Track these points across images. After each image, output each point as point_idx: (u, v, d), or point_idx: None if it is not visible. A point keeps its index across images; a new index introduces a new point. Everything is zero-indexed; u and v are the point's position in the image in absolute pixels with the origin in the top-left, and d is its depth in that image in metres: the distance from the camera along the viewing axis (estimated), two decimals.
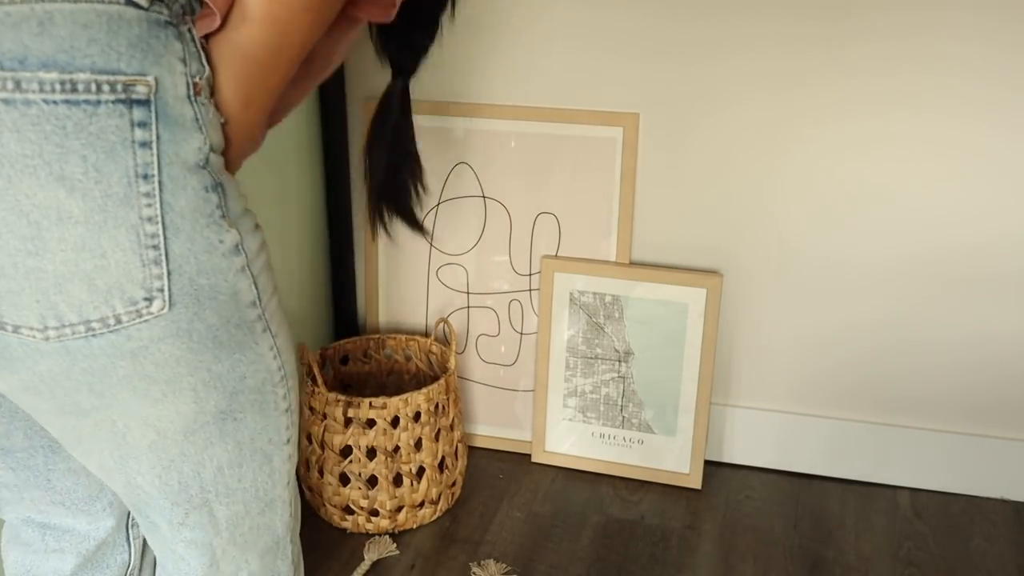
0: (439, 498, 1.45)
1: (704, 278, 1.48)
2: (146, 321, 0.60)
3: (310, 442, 1.41)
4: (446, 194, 1.58)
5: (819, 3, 1.34)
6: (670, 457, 1.56)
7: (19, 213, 0.55)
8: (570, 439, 1.60)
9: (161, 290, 0.60)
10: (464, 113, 1.53)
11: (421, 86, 1.55)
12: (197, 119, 0.60)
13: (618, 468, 1.58)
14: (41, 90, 0.54)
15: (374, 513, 1.41)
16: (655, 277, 1.50)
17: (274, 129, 1.54)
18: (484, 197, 1.57)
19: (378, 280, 1.66)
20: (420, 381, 1.59)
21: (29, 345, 0.59)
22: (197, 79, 0.60)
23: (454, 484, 1.48)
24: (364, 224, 1.63)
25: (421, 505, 1.43)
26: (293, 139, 1.50)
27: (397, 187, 1.17)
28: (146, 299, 0.59)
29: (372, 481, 1.40)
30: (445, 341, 1.61)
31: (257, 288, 0.66)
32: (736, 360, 1.56)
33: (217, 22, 0.62)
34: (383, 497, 1.40)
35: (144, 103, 0.57)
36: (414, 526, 1.44)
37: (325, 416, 1.37)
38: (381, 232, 1.20)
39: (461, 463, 1.50)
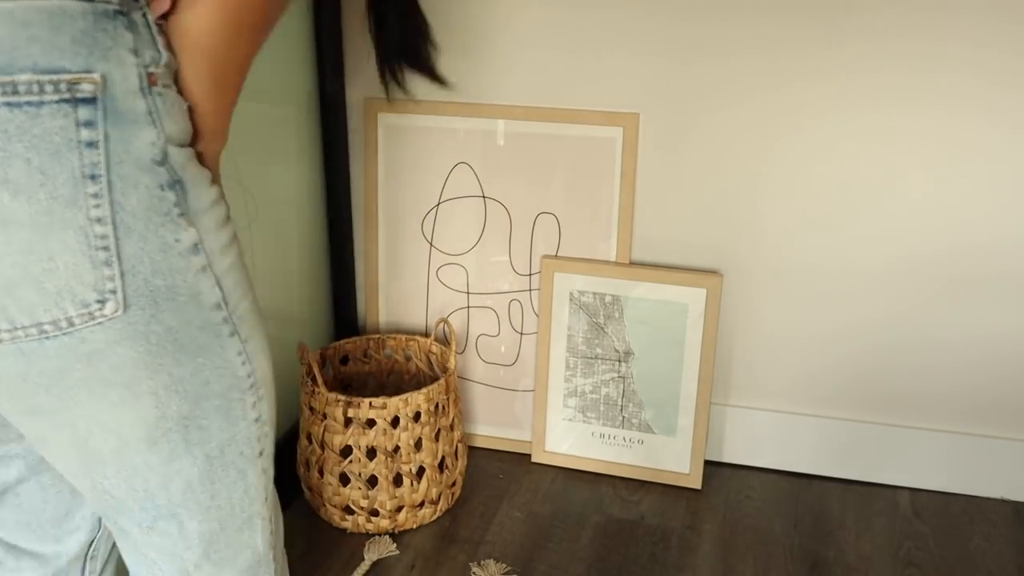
0: (439, 498, 1.45)
1: (704, 278, 1.48)
2: (100, 323, 0.59)
3: (310, 442, 1.41)
4: (446, 194, 1.58)
5: (819, 2, 1.34)
6: (670, 457, 1.56)
7: None
8: (570, 439, 1.60)
9: (114, 292, 0.58)
10: (464, 113, 1.53)
11: (421, 86, 1.55)
12: (151, 113, 0.58)
13: (618, 468, 1.58)
14: None
15: (374, 513, 1.41)
16: (655, 277, 1.50)
17: (274, 129, 1.55)
18: (484, 197, 1.57)
19: (378, 280, 1.66)
20: (420, 381, 1.59)
21: None
22: (152, 69, 0.58)
23: (454, 484, 1.48)
24: (364, 223, 1.63)
25: (421, 505, 1.43)
26: (293, 139, 1.50)
27: (407, 40, 1.07)
28: (99, 301, 0.58)
29: (372, 481, 1.40)
30: (445, 341, 1.61)
31: (222, 289, 0.64)
32: (736, 360, 1.56)
33: (166, 4, 0.59)
34: (383, 497, 1.40)
35: (90, 101, 0.55)
36: (414, 526, 1.44)
37: (325, 416, 1.37)
38: (397, 91, 1.12)
39: (461, 463, 1.50)
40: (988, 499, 1.52)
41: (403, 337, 1.59)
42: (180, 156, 0.61)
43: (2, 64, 0.52)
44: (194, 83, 0.61)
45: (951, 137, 1.37)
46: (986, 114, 1.34)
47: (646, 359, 1.54)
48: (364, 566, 1.36)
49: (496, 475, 1.59)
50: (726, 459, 1.61)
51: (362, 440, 1.37)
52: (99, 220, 0.57)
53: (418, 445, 1.40)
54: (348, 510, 1.41)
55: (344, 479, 1.40)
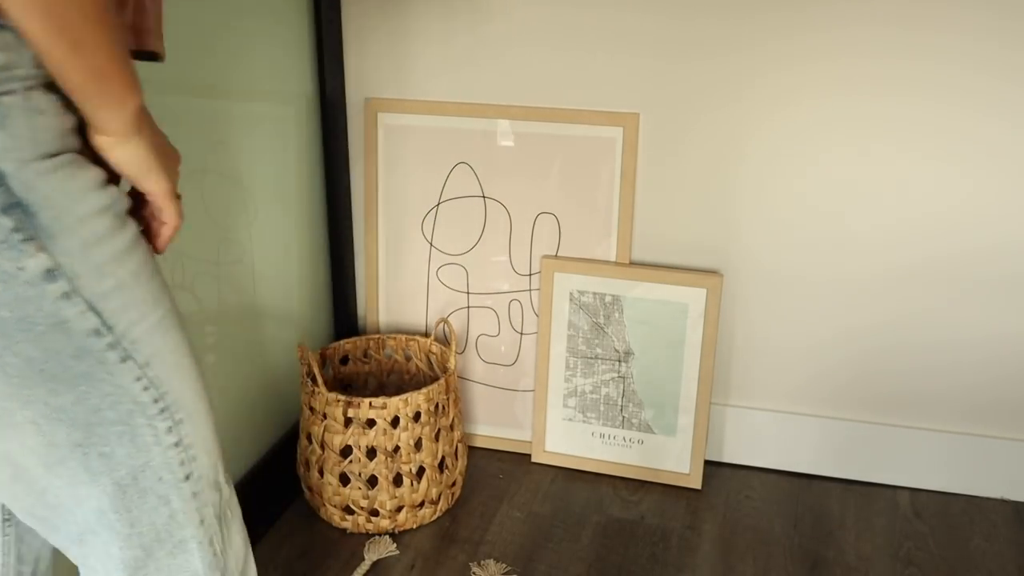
0: (439, 498, 1.45)
1: (704, 278, 1.48)
2: None
3: (310, 442, 1.41)
4: (446, 194, 1.58)
5: (820, 2, 1.34)
6: (670, 457, 1.56)
7: None
8: (570, 439, 1.60)
9: None
10: (464, 113, 1.53)
11: (421, 86, 1.55)
12: None
13: (618, 468, 1.58)
14: None
15: (374, 513, 1.41)
16: (655, 277, 1.50)
17: (274, 128, 1.55)
18: (484, 197, 1.57)
19: (378, 280, 1.66)
20: (420, 381, 1.59)
21: None
22: None
23: (454, 484, 1.48)
24: (364, 223, 1.63)
25: (421, 505, 1.43)
26: (293, 139, 1.50)
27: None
28: None
29: (372, 481, 1.40)
30: (445, 341, 1.61)
31: (99, 315, 0.59)
32: (736, 360, 1.56)
33: None
34: (383, 497, 1.40)
35: None
36: (414, 526, 1.44)
37: (325, 416, 1.37)
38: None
39: (461, 463, 1.50)
40: (988, 499, 1.52)
41: (403, 337, 1.59)
42: (25, 173, 0.55)
43: None
44: (46, 41, 0.52)
45: (953, 138, 1.37)
46: (989, 114, 1.34)
47: (646, 359, 1.54)
48: (364, 566, 1.36)
49: (496, 475, 1.59)
50: (726, 459, 1.61)
51: (362, 440, 1.37)
52: None
53: (418, 445, 1.40)
54: (348, 510, 1.41)
55: (344, 479, 1.40)
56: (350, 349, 1.58)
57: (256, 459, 1.48)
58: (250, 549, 0.79)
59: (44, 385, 0.59)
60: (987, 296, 1.43)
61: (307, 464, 1.43)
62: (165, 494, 0.68)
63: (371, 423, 1.37)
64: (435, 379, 1.51)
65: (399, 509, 1.41)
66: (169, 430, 0.66)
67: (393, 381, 1.62)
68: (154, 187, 0.68)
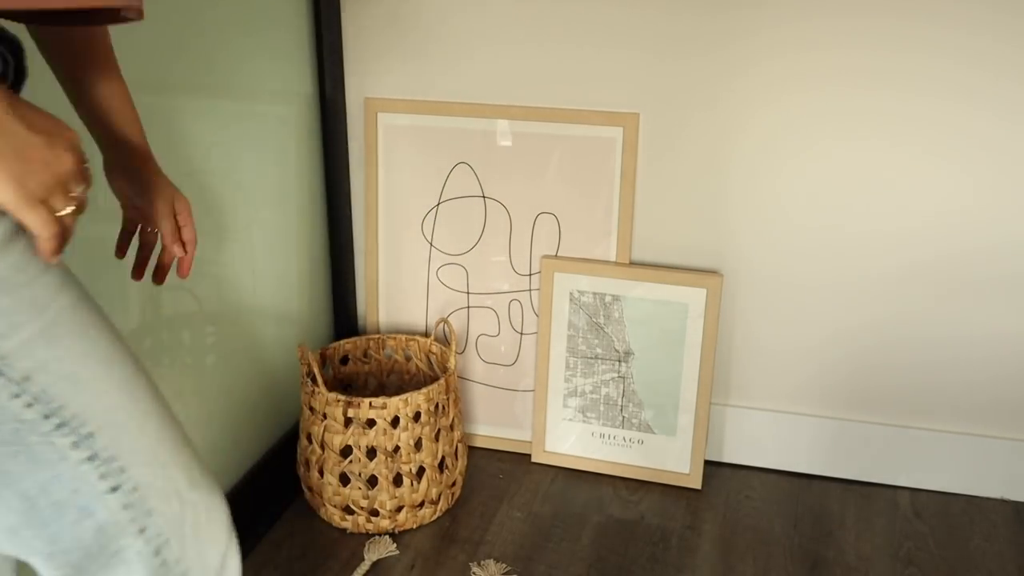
0: (439, 498, 1.45)
1: (704, 278, 1.48)
2: None
3: (310, 442, 1.41)
4: (446, 194, 1.58)
5: (822, 3, 1.34)
6: (670, 457, 1.56)
7: None
8: (570, 439, 1.60)
9: None
10: (464, 113, 1.53)
11: (421, 86, 1.55)
12: None
13: (618, 468, 1.58)
14: None
15: (374, 513, 1.41)
16: (655, 277, 1.50)
17: (274, 128, 1.55)
18: (484, 197, 1.57)
19: (378, 280, 1.66)
20: (420, 381, 1.59)
21: None
22: None
23: (454, 484, 1.48)
24: (364, 223, 1.63)
25: (421, 505, 1.43)
26: (293, 139, 1.50)
27: None
28: None
29: (372, 481, 1.40)
30: (445, 341, 1.61)
31: None
32: (736, 360, 1.56)
33: None
34: (383, 497, 1.40)
35: None
36: (414, 526, 1.44)
37: (325, 416, 1.37)
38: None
39: (461, 463, 1.50)
40: (988, 499, 1.52)
41: (403, 337, 1.59)
42: None
43: None
44: None
45: (951, 134, 1.36)
46: (990, 113, 1.34)
47: (646, 359, 1.53)
48: (364, 566, 1.36)
49: (496, 475, 1.59)
50: (726, 459, 1.61)
51: (362, 440, 1.37)
52: None
53: (418, 445, 1.40)
54: (348, 510, 1.41)
55: (344, 479, 1.40)
56: (350, 349, 1.58)
57: (256, 459, 1.48)
58: (233, 556, 0.77)
59: None
60: (987, 296, 1.43)
61: (307, 464, 1.43)
62: (88, 507, 0.65)
63: (371, 423, 1.37)
64: (435, 379, 1.51)
65: (399, 509, 1.41)
66: (75, 445, 0.63)
67: (393, 381, 1.62)
68: None
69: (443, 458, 1.44)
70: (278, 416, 1.54)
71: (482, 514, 1.48)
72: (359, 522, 1.41)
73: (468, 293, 1.62)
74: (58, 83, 0.85)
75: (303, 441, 1.44)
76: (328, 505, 1.42)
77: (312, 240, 1.60)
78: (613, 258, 1.53)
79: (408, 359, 1.61)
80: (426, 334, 1.65)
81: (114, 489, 0.66)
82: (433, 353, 1.57)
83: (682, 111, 1.45)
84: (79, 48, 0.83)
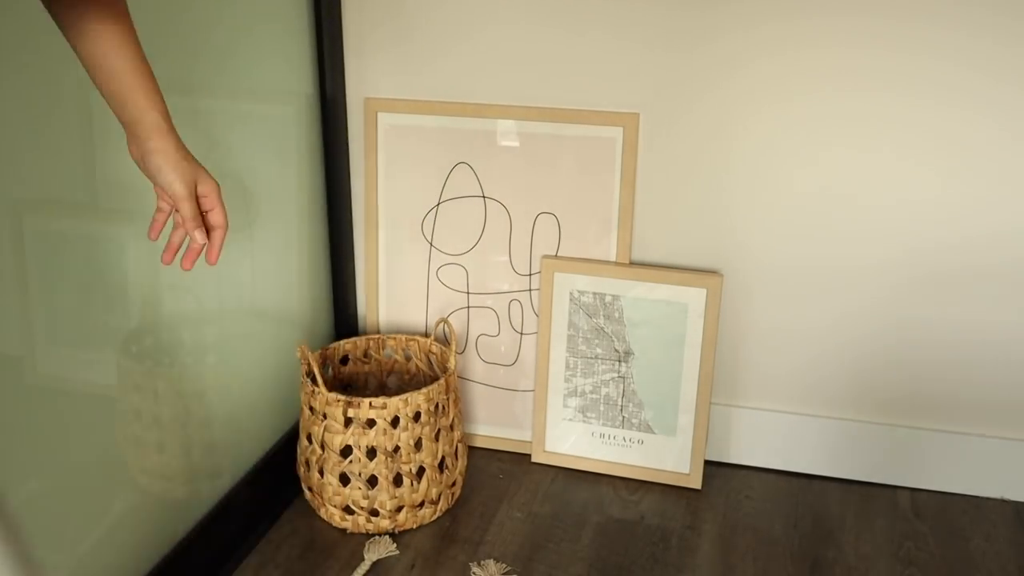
0: (439, 498, 1.45)
1: (704, 278, 1.48)
2: None
3: (310, 442, 1.41)
4: (446, 194, 1.58)
5: (823, 3, 1.34)
6: (670, 457, 1.56)
7: None
8: (570, 439, 1.60)
9: None
10: (464, 113, 1.53)
11: (421, 86, 1.55)
12: None
13: (618, 468, 1.58)
14: None
15: (374, 513, 1.41)
16: (655, 277, 1.50)
17: (275, 128, 1.55)
18: (484, 197, 1.57)
19: (378, 280, 1.66)
20: (420, 381, 1.59)
21: None
22: None
23: (454, 484, 1.48)
24: (364, 223, 1.63)
25: (421, 505, 1.43)
26: (293, 139, 1.50)
27: None
28: None
29: (372, 481, 1.40)
30: (445, 341, 1.61)
31: None
32: (736, 360, 1.56)
33: None
34: (383, 497, 1.40)
35: None
36: (414, 526, 1.44)
37: (325, 416, 1.37)
38: None
39: (461, 463, 1.50)
40: (988, 499, 1.52)
41: (403, 337, 1.59)
42: None
43: None
44: None
45: (952, 136, 1.36)
46: (988, 110, 1.34)
47: (646, 359, 1.53)
48: (364, 566, 1.36)
49: (496, 475, 1.59)
50: (726, 459, 1.61)
51: (362, 440, 1.37)
52: None
53: (418, 445, 1.40)
54: (348, 510, 1.41)
55: (344, 479, 1.40)
56: (350, 349, 1.58)
57: (256, 459, 1.48)
58: None
59: None
60: (988, 296, 1.43)
61: (307, 464, 1.43)
62: None
63: (371, 423, 1.37)
64: (435, 379, 1.51)
65: (399, 509, 1.41)
66: None
67: (393, 381, 1.62)
68: None
69: (443, 458, 1.44)
70: (278, 416, 1.54)
71: (482, 514, 1.48)
72: (359, 522, 1.41)
73: (468, 293, 1.62)
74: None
75: (303, 441, 1.44)
76: (328, 505, 1.42)
77: (312, 240, 1.60)
78: (613, 258, 1.53)
79: (408, 359, 1.61)
80: (426, 334, 1.65)
81: None
82: (433, 353, 1.57)
83: (682, 111, 1.45)
84: None
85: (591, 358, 1.56)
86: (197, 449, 1.32)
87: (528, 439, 1.64)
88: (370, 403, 1.36)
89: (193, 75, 1.22)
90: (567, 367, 1.58)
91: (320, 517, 1.45)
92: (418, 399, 1.38)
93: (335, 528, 1.44)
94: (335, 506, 1.41)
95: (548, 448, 1.61)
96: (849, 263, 1.46)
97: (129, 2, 1.07)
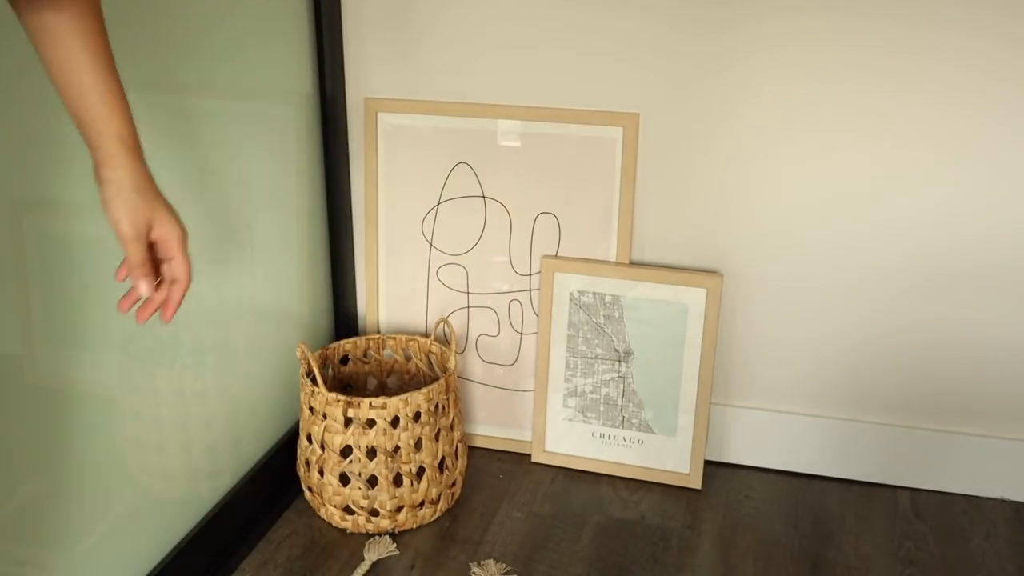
0: (439, 498, 1.45)
1: (704, 278, 1.48)
2: None
3: (310, 442, 1.41)
4: (446, 194, 1.58)
5: (824, 2, 1.34)
6: (670, 457, 1.56)
7: None
8: (570, 439, 1.60)
9: None
10: (464, 113, 1.53)
11: (421, 86, 1.55)
12: None
13: (618, 468, 1.58)
14: None
15: (374, 513, 1.41)
16: (655, 277, 1.50)
17: (274, 128, 1.55)
18: (484, 197, 1.57)
19: (378, 280, 1.66)
20: (420, 381, 1.59)
21: None
22: None
23: (454, 484, 1.48)
24: (364, 223, 1.63)
25: (421, 505, 1.43)
26: (293, 139, 1.50)
27: None
28: None
29: (372, 481, 1.40)
30: (445, 341, 1.61)
31: None
32: (736, 360, 1.56)
33: None
34: (383, 497, 1.40)
35: None
36: (414, 526, 1.44)
37: (325, 416, 1.37)
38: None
39: (461, 463, 1.50)
40: (988, 499, 1.52)
41: (403, 337, 1.59)
42: None
43: None
44: None
45: (951, 136, 1.37)
46: (988, 111, 1.34)
47: (646, 359, 1.54)
48: (364, 566, 1.36)
49: (496, 475, 1.59)
50: (726, 459, 1.61)
51: (362, 440, 1.37)
52: None
53: (418, 445, 1.40)
54: (348, 510, 1.41)
55: (344, 479, 1.40)
56: (350, 349, 1.58)
57: (256, 459, 1.48)
58: None
59: None
60: (988, 296, 1.43)
61: (307, 464, 1.43)
62: None
63: (371, 423, 1.37)
64: (435, 379, 1.51)
65: (399, 509, 1.41)
66: None
67: (393, 381, 1.62)
68: None
69: (443, 458, 1.44)
70: (278, 416, 1.54)
71: (482, 514, 1.48)
72: (359, 522, 1.41)
73: (468, 293, 1.62)
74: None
75: (303, 441, 1.44)
76: (328, 505, 1.42)
77: (312, 240, 1.60)
78: (613, 258, 1.53)
79: (408, 359, 1.61)
80: (426, 334, 1.65)
81: None
82: (433, 353, 1.57)
83: (682, 111, 1.45)
84: None
85: (591, 358, 1.56)
86: (197, 449, 1.32)
87: (528, 439, 1.64)
88: (370, 403, 1.36)
89: (193, 75, 1.22)
90: (567, 367, 1.58)
91: (320, 517, 1.45)
92: (418, 399, 1.38)
93: (335, 528, 1.44)
94: (335, 506, 1.41)
95: (548, 448, 1.61)
96: (849, 263, 1.46)
97: (129, 2, 1.07)
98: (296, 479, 1.49)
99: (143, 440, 1.21)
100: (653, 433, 1.56)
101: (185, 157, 1.23)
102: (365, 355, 1.60)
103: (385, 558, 1.38)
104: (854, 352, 1.51)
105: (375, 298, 1.67)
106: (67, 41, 0.72)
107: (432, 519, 1.46)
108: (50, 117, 0.99)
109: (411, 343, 1.59)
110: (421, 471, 1.41)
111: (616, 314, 1.53)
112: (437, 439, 1.43)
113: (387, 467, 1.38)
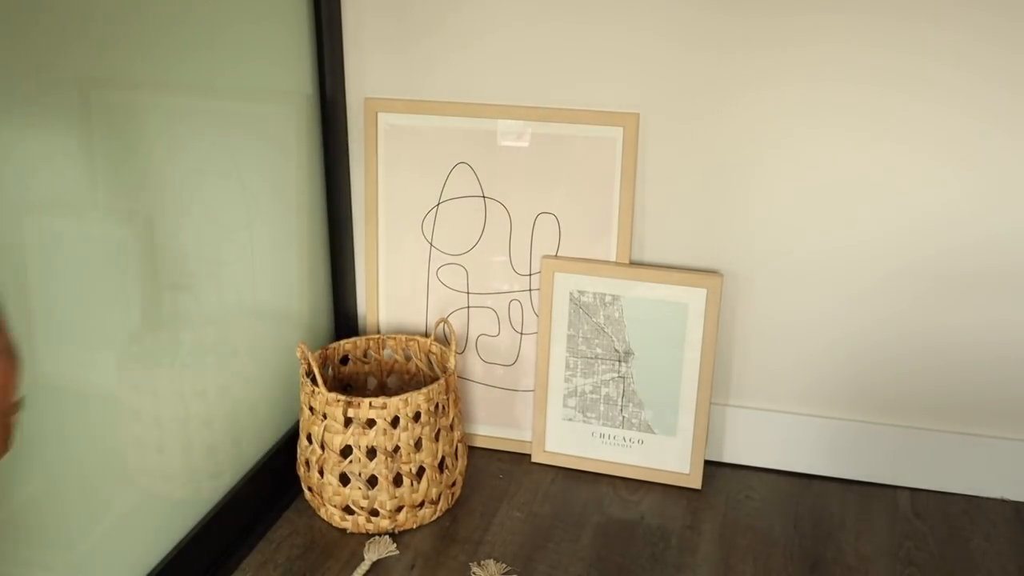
0: (439, 498, 1.45)
1: (704, 278, 1.48)
2: None
3: (310, 442, 1.41)
4: (446, 194, 1.58)
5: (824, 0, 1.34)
6: (670, 457, 1.56)
7: None
8: (570, 439, 1.60)
9: None
10: (464, 113, 1.53)
11: (421, 86, 1.55)
12: None
13: (618, 468, 1.58)
14: None
15: (374, 513, 1.41)
16: (655, 277, 1.50)
17: (274, 128, 1.55)
18: (484, 197, 1.57)
19: (378, 280, 1.66)
20: (420, 381, 1.59)
21: None
22: None
23: (454, 484, 1.48)
24: (364, 223, 1.63)
25: (421, 505, 1.43)
26: (293, 139, 1.50)
27: None
28: None
29: (372, 481, 1.40)
30: (445, 341, 1.61)
31: None
32: (736, 360, 1.56)
33: None
34: (383, 497, 1.40)
35: None
36: (414, 526, 1.44)
37: (325, 416, 1.37)
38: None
39: (461, 463, 1.50)
40: (988, 499, 1.52)
41: (403, 337, 1.59)
42: None
43: None
44: None
45: (951, 136, 1.37)
46: (988, 115, 1.34)
47: (646, 359, 1.54)
48: (364, 566, 1.36)
49: (496, 475, 1.59)
50: (726, 459, 1.61)
51: (362, 440, 1.37)
52: None
53: (418, 445, 1.40)
54: (348, 510, 1.41)
55: (344, 479, 1.40)
56: (350, 349, 1.58)
57: (256, 459, 1.48)
58: None
59: None
60: (987, 295, 1.43)
61: (307, 464, 1.43)
62: None
63: (371, 423, 1.37)
64: (435, 379, 1.51)
65: (399, 509, 1.41)
66: None
67: (393, 381, 1.62)
68: None
69: (443, 458, 1.44)
70: (278, 416, 1.54)
71: (482, 514, 1.48)
72: (359, 522, 1.41)
73: (468, 293, 1.62)
74: None
75: (303, 441, 1.44)
76: (328, 505, 1.42)
77: (312, 240, 1.60)
78: (613, 258, 1.53)
79: (408, 359, 1.61)
80: (426, 334, 1.65)
81: None
82: (433, 353, 1.57)
83: (682, 111, 1.45)
84: None
85: (591, 358, 1.56)
86: (197, 449, 1.32)
87: (528, 439, 1.64)
88: (370, 403, 1.36)
89: (192, 75, 1.22)
90: (567, 367, 1.58)
91: (320, 517, 1.45)
92: (418, 399, 1.38)
93: (335, 528, 1.44)
94: (335, 506, 1.41)
95: (548, 448, 1.61)
96: (850, 263, 1.46)
97: (129, 2, 1.08)
98: (296, 479, 1.49)
99: (143, 440, 1.21)
100: (653, 433, 1.56)
101: (185, 157, 1.23)
102: (365, 355, 1.60)
103: (385, 558, 1.38)
104: (855, 352, 1.51)
105: (375, 298, 1.67)
106: None
107: (432, 519, 1.46)
108: (49, 116, 0.99)
109: (411, 343, 1.59)
110: (421, 471, 1.41)
111: (616, 314, 1.53)
112: (437, 439, 1.43)
113: (387, 467, 1.38)
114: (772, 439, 1.58)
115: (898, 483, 1.55)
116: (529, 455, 1.63)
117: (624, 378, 1.55)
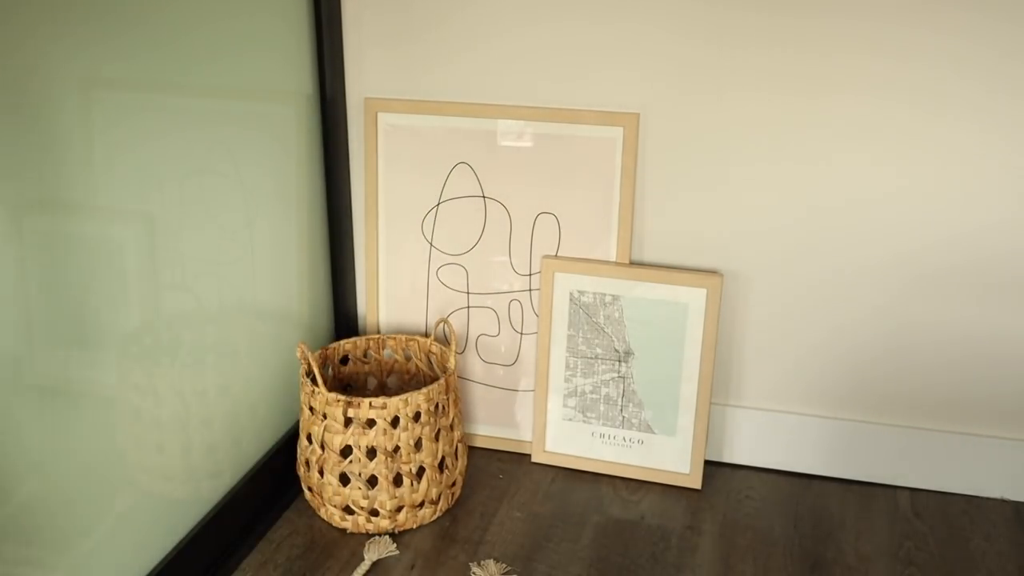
0: (439, 498, 1.45)
1: (704, 278, 1.48)
2: None
3: (310, 442, 1.41)
4: (446, 194, 1.58)
5: (824, 4, 1.34)
6: (670, 457, 1.56)
7: None
8: (570, 439, 1.60)
9: None
10: (464, 113, 1.53)
11: (421, 86, 1.55)
12: None
13: (618, 468, 1.58)
14: None
15: (374, 513, 1.41)
16: (655, 277, 1.50)
17: (274, 128, 1.55)
18: (484, 197, 1.57)
19: (378, 280, 1.66)
20: (420, 381, 1.59)
21: None
22: None
23: (454, 484, 1.48)
24: (364, 223, 1.63)
25: (421, 505, 1.43)
26: (293, 139, 1.50)
27: None
28: None
29: (372, 481, 1.40)
30: (445, 341, 1.61)
31: None
32: (736, 360, 1.56)
33: None
34: (383, 497, 1.40)
35: None
36: (414, 526, 1.44)
37: (325, 416, 1.37)
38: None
39: (461, 463, 1.50)
40: (988, 499, 1.52)
41: (403, 337, 1.59)
42: None
43: None
44: None
45: (950, 137, 1.37)
46: (986, 116, 1.34)
47: (646, 359, 1.54)
48: (364, 566, 1.36)
49: (496, 475, 1.59)
50: (726, 459, 1.61)
51: (362, 440, 1.37)
52: None
53: (418, 445, 1.40)
54: (348, 510, 1.41)
55: (344, 479, 1.40)
56: (350, 349, 1.58)
57: (256, 459, 1.48)
58: None
59: None
60: (987, 296, 1.43)
61: (307, 464, 1.43)
62: None
63: (371, 423, 1.37)
64: (435, 379, 1.51)
65: (399, 509, 1.41)
66: None
67: (393, 381, 1.62)
68: None
69: (443, 458, 1.44)
70: (278, 416, 1.54)
71: (482, 514, 1.48)
72: (359, 522, 1.41)
73: (468, 293, 1.62)
74: None
75: (303, 441, 1.44)
76: (328, 505, 1.42)
77: (312, 240, 1.60)
78: (613, 258, 1.53)
79: (408, 359, 1.61)
80: (426, 334, 1.65)
81: None
82: (433, 353, 1.57)
83: (682, 111, 1.45)
84: None
85: (591, 358, 1.56)
86: (197, 449, 1.32)
87: (528, 439, 1.64)
88: (370, 403, 1.36)
89: (192, 75, 1.22)
90: (567, 367, 1.58)
91: (320, 517, 1.45)
92: (418, 399, 1.38)
93: (335, 528, 1.44)
94: (335, 506, 1.41)
95: (548, 448, 1.61)
96: (849, 263, 1.46)
97: (128, 1, 1.08)
98: (296, 479, 1.49)
99: (143, 440, 1.21)
100: (653, 433, 1.56)
101: (184, 157, 1.23)
102: (365, 355, 1.60)
103: (385, 558, 1.38)
104: (855, 352, 1.51)
105: (375, 298, 1.67)
106: None
107: (432, 519, 1.46)
108: (50, 116, 0.99)
109: (411, 343, 1.59)
110: (421, 471, 1.41)
111: (616, 314, 1.53)
112: (437, 439, 1.43)
113: (387, 467, 1.38)
114: (772, 439, 1.58)
115: (898, 483, 1.55)
116: (529, 455, 1.63)
117: (624, 378, 1.55)
